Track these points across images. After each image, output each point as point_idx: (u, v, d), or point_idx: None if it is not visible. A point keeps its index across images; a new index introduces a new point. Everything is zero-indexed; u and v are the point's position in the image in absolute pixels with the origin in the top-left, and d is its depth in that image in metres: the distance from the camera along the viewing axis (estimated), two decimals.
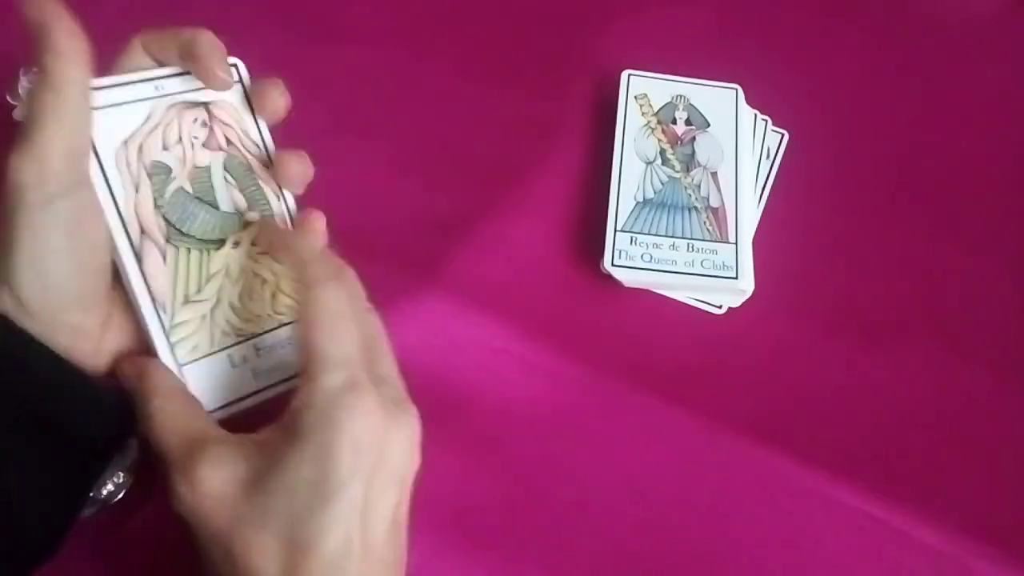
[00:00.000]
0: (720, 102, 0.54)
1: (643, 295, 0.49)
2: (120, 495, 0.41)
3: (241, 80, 0.37)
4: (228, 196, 0.36)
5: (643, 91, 0.54)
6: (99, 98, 0.33)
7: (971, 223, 0.53)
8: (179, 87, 0.35)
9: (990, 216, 0.53)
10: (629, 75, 0.54)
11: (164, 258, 0.34)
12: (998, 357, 0.49)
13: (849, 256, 0.51)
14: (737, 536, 0.43)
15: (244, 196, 0.36)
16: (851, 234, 0.52)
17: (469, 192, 0.51)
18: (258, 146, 0.37)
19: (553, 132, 0.54)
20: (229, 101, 0.37)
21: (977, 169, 0.55)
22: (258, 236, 0.36)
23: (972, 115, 0.57)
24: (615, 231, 0.49)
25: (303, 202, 0.40)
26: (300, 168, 0.39)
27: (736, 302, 0.49)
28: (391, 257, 0.50)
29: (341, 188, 0.51)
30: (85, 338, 0.34)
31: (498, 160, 0.53)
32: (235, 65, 0.37)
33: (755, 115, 0.55)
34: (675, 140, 0.52)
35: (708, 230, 0.49)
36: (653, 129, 0.52)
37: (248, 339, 0.36)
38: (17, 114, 0.50)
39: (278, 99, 0.38)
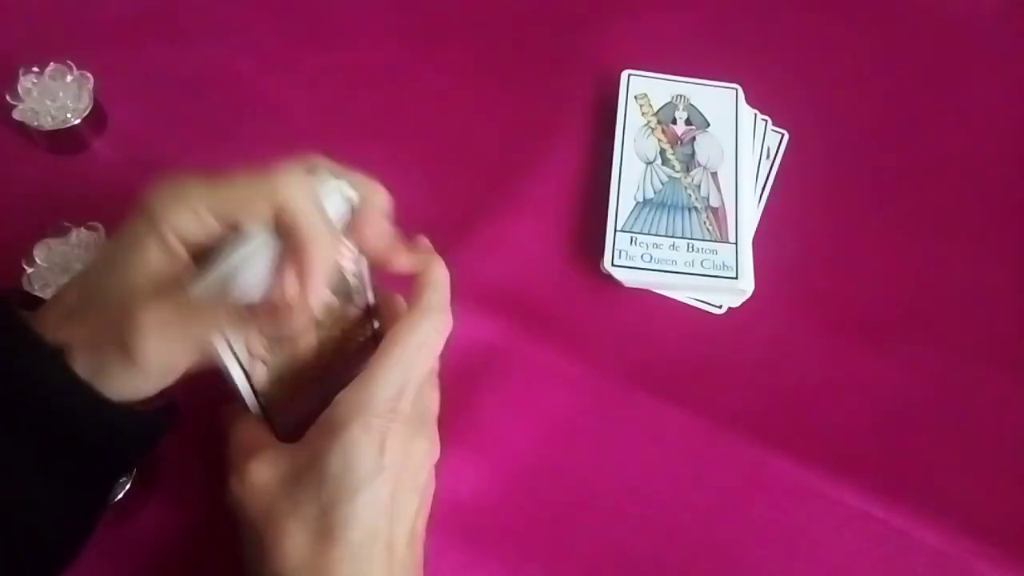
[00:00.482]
0: (720, 102, 0.54)
1: (643, 295, 0.49)
2: (120, 495, 0.41)
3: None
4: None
5: (643, 91, 0.54)
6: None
7: (971, 223, 0.53)
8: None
9: (990, 216, 0.53)
10: (629, 75, 0.54)
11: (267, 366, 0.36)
12: (998, 357, 0.49)
13: (849, 256, 0.51)
14: (737, 536, 0.43)
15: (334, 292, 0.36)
16: (851, 234, 0.52)
17: (469, 192, 0.51)
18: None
19: (553, 132, 0.54)
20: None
21: (977, 169, 0.55)
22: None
23: (972, 115, 0.57)
24: (615, 231, 0.49)
25: None
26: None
27: (736, 302, 0.49)
28: None
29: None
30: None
31: (498, 160, 0.53)
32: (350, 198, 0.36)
33: (755, 115, 0.55)
34: (675, 140, 0.52)
35: (708, 230, 0.49)
36: (653, 129, 0.52)
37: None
38: (17, 114, 0.50)
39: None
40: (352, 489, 0.33)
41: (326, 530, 0.33)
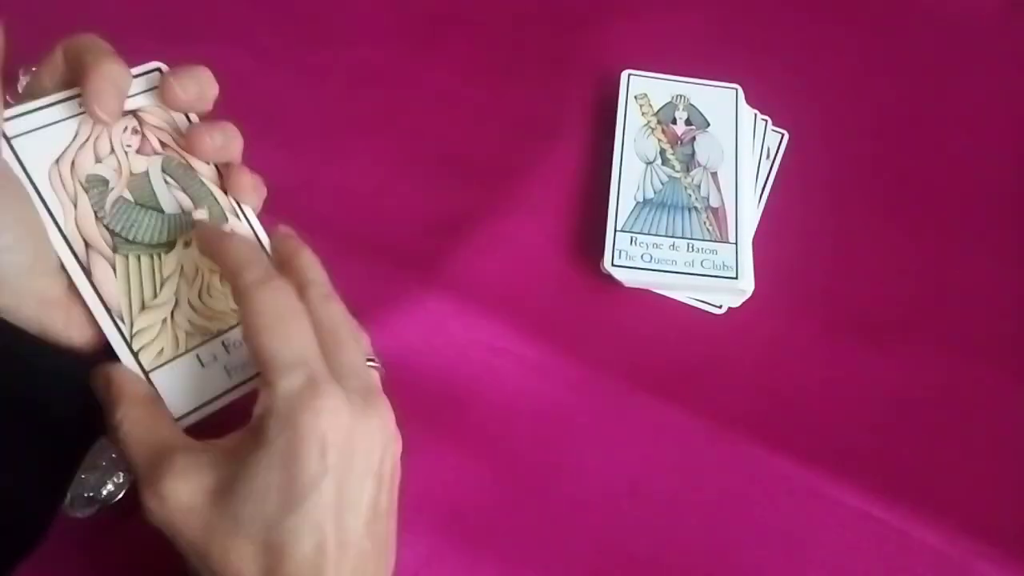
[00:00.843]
0: (720, 102, 0.54)
1: (643, 295, 0.49)
2: (120, 495, 0.41)
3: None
4: (171, 198, 0.35)
5: (643, 91, 0.54)
6: (24, 123, 0.33)
7: (971, 223, 0.53)
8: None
9: (990, 216, 0.53)
10: (629, 75, 0.54)
11: (114, 269, 0.33)
12: (998, 356, 0.49)
13: (849, 256, 0.51)
14: (737, 536, 0.43)
15: (189, 195, 0.36)
16: (851, 234, 0.52)
17: (469, 192, 0.51)
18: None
19: (553, 132, 0.54)
20: (157, 104, 0.36)
21: (977, 169, 0.55)
22: (194, 239, 0.36)
23: (972, 115, 0.57)
24: (615, 231, 0.49)
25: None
26: (248, 179, 0.38)
27: (736, 302, 0.49)
28: (391, 257, 0.50)
29: (341, 188, 0.52)
30: (53, 307, 0.33)
31: (498, 160, 0.53)
32: (158, 69, 0.36)
33: (755, 115, 0.55)
34: (675, 140, 0.52)
35: (708, 230, 0.49)
36: (653, 129, 0.52)
37: (215, 337, 0.35)
38: None
39: (197, 89, 0.37)
40: (296, 500, 0.31)
41: (275, 546, 0.31)
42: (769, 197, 0.53)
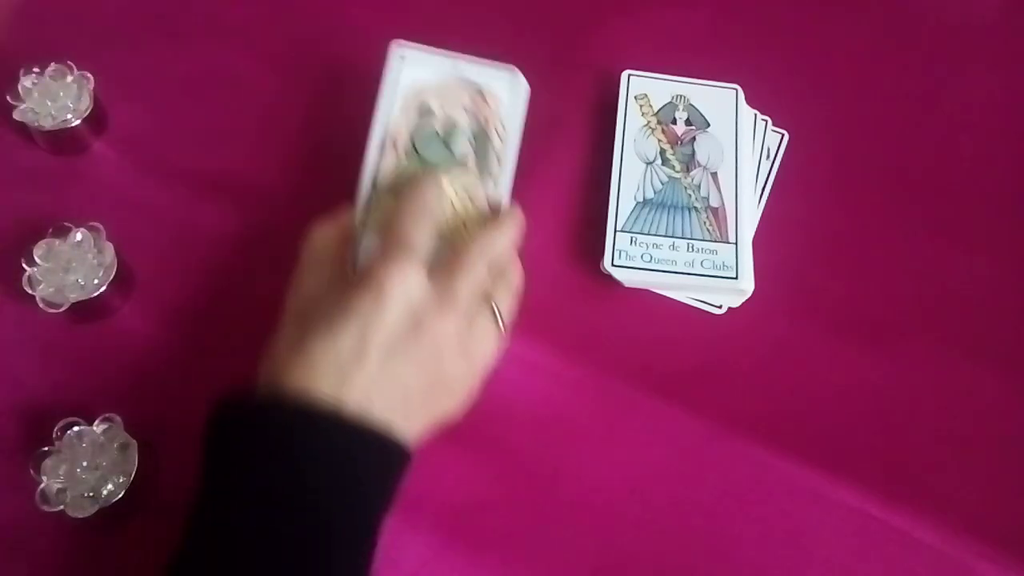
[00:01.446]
0: (720, 102, 0.54)
1: (643, 295, 0.49)
2: (120, 495, 0.41)
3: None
4: (461, 147, 0.45)
5: (643, 91, 0.54)
6: (417, 57, 0.46)
7: (971, 223, 0.53)
8: (470, 72, 0.46)
9: (990, 216, 0.53)
10: (629, 75, 0.54)
11: (396, 163, 0.45)
12: (998, 357, 0.49)
13: (849, 256, 0.51)
14: (737, 536, 0.43)
15: (473, 150, 0.46)
16: (851, 234, 0.52)
17: None
18: (501, 139, 0.46)
19: (553, 132, 0.54)
20: (502, 97, 0.47)
21: (977, 169, 0.55)
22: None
23: (972, 115, 0.57)
24: (615, 231, 0.49)
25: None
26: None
27: (736, 302, 0.49)
28: None
29: (341, 187, 0.52)
30: None
31: None
32: (510, 69, 0.47)
33: (755, 115, 0.55)
34: (675, 140, 0.52)
35: (708, 230, 0.49)
36: (653, 129, 0.52)
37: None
38: (17, 114, 0.50)
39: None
40: (343, 316, 0.37)
41: (304, 341, 0.37)
42: (769, 197, 0.53)
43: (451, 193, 0.44)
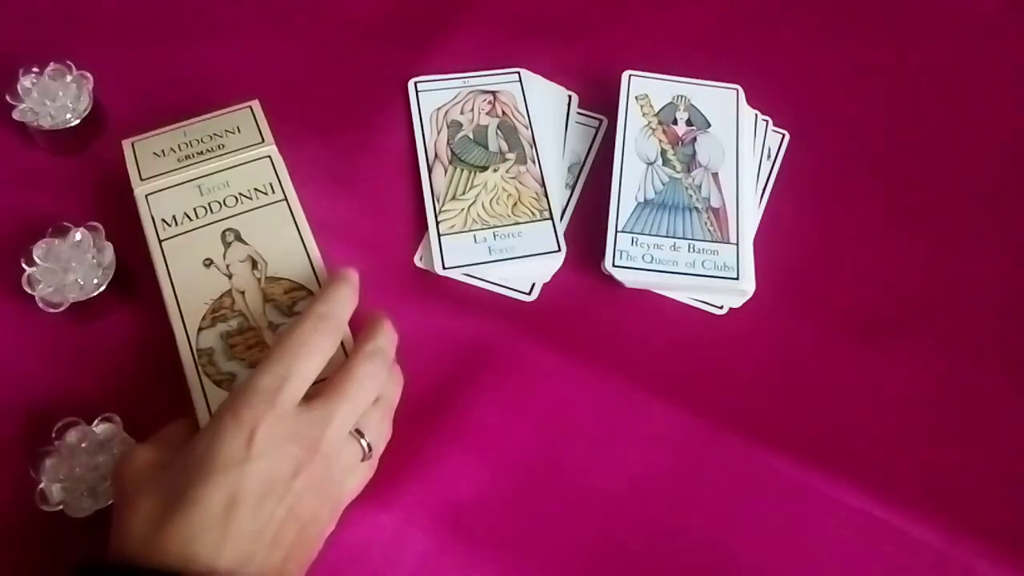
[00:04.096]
0: (721, 102, 0.54)
1: (644, 295, 0.49)
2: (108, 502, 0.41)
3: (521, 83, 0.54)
4: (496, 143, 0.52)
5: (644, 91, 0.54)
6: (430, 85, 0.54)
7: (971, 223, 0.53)
8: (480, 82, 0.54)
9: (990, 216, 0.53)
10: (629, 75, 0.54)
11: (446, 172, 0.51)
12: (998, 357, 0.49)
13: (850, 256, 0.51)
14: (737, 536, 0.43)
15: (508, 144, 0.52)
16: (851, 234, 0.52)
17: None
18: (526, 126, 0.53)
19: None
20: (511, 92, 0.53)
21: (978, 169, 0.55)
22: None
23: (972, 115, 0.57)
24: (616, 232, 0.49)
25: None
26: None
27: (737, 302, 0.49)
28: (392, 256, 0.50)
29: (341, 187, 0.52)
30: None
31: None
32: (518, 72, 0.54)
33: (756, 115, 0.55)
34: (676, 140, 0.52)
35: (709, 231, 0.49)
36: (654, 130, 0.52)
37: (489, 228, 0.49)
38: (16, 114, 0.50)
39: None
40: (208, 472, 0.34)
41: (170, 506, 0.33)
42: (770, 197, 0.53)
43: (501, 184, 0.50)
